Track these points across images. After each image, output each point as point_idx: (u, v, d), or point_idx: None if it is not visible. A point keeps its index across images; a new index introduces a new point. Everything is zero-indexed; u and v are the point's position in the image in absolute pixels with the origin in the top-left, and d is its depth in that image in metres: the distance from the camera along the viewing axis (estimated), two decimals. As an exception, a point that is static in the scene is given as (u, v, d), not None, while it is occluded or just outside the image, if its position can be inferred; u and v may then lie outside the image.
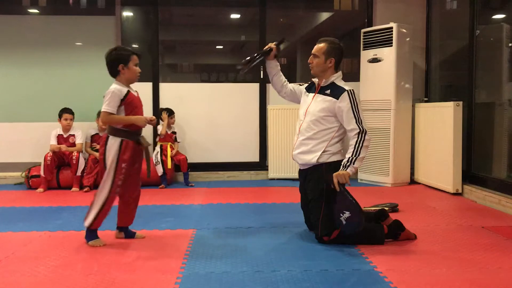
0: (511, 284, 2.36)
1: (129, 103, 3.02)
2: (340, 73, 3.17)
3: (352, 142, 2.99)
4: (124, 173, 2.99)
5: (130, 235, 3.22)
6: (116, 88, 3.00)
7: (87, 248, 2.96)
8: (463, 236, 3.21)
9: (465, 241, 3.10)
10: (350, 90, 3.04)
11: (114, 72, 3.05)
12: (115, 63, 3.02)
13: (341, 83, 3.11)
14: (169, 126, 5.47)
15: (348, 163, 2.95)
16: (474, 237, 3.18)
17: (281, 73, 3.41)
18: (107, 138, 3.00)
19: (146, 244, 3.06)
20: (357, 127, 2.98)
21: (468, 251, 2.87)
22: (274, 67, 3.38)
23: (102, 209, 2.99)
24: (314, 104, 3.13)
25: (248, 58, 3.29)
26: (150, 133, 5.68)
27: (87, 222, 3.01)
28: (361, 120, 3.00)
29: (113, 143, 2.97)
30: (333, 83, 3.12)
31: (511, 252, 2.87)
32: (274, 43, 3.33)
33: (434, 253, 2.84)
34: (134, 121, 3.00)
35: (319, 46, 3.15)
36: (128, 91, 3.05)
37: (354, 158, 2.94)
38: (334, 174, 2.94)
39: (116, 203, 3.13)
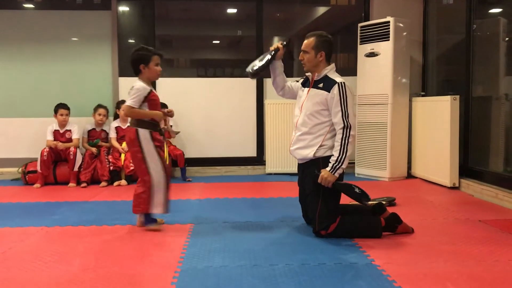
0: (508, 277, 2.37)
1: (152, 100, 3.24)
2: (333, 65, 3.16)
3: (338, 138, 3.00)
4: (162, 156, 3.22)
5: (151, 221, 3.31)
6: (142, 85, 3.20)
7: (84, 243, 2.96)
8: (460, 230, 3.22)
9: (462, 234, 3.11)
10: (341, 82, 3.03)
11: (136, 70, 3.26)
12: (137, 63, 3.23)
13: (333, 76, 3.10)
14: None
15: (337, 164, 2.96)
16: (471, 231, 3.19)
17: (283, 74, 3.37)
18: (137, 131, 3.17)
19: (143, 238, 3.06)
20: (342, 122, 2.98)
21: (465, 245, 2.88)
22: (278, 67, 3.33)
23: (166, 192, 3.21)
24: (308, 99, 3.13)
25: (257, 67, 3.23)
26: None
27: (159, 209, 3.19)
28: (347, 114, 2.99)
29: (144, 133, 3.18)
30: (326, 76, 3.11)
31: (508, 245, 2.88)
32: (281, 42, 3.28)
33: (431, 246, 2.84)
34: (153, 115, 3.22)
35: (308, 41, 3.14)
36: (151, 90, 3.25)
37: (342, 157, 2.96)
38: (321, 175, 2.96)
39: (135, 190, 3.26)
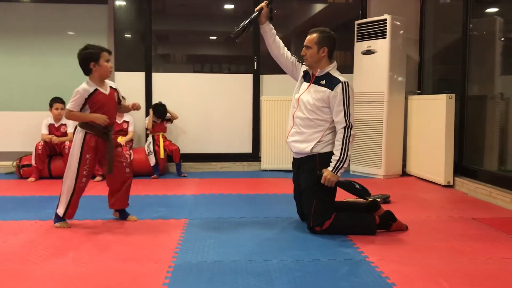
0: (501, 274, 2.39)
1: (95, 102, 3.16)
2: (335, 63, 3.17)
3: (339, 137, 3.01)
4: (88, 163, 3.15)
5: (124, 216, 3.36)
6: (82, 88, 3.15)
7: (79, 237, 2.95)
8: (454, 227, 3.24)
9: (456, 232, 3.12)
10: (344, 82, 3.04)
11: (86, 70, 3.18)
12: (87, 61, 3.15)
13: (336, 74, 3.11)
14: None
15: (339, 164, 2.98)
16: (465, 228, 3.21)
17: (278, 38, 3.33)
18: (75, 128, 3.18)
19: (138, 233, 3.06)
20: (344, 121, 3.00)
21: (458, 242, 2.89)
22: (268, 32, 3.29)
23: (71, 199, 3.16)
24: (308, 94, 3.13)
25: (241, 25, 3.20)
26: (143, 125, 5.66)
27: (60, 211, 3.15)
28: (349, 114, 3.00)
29: (78, 134, 3.16)
30: (328, 74, 3.11)
31: (501, 243, 2.90)
32: (264, 2, 3.26)
33: (425, 244, 2.86)
34: (93, 119, 3.13)
35: (311, 37, 3.13)
36: (96, 90, 3.17)
37: (344, 157, 2.98)
38: (324, 175, 2.98)
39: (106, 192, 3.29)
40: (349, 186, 3.07)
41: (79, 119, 3.17)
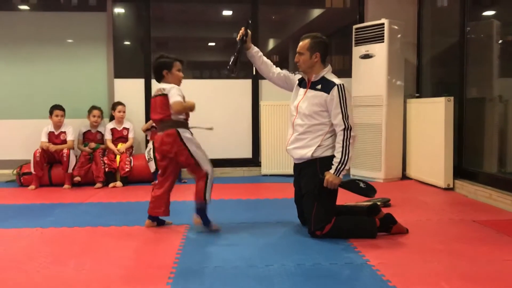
0: (501, 276, 2.39)
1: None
2: (329, 67, 3.18)
3: (339, 140, 3.02)
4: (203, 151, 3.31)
5: (161, 223, 3.41)
6: (174, 85, 3.28)
7: (80, 245, 2.95)
8: (454, 230, 3.24)
9: (456, 234, 3.13)
10: (340, 84, 3.05)
11: (159, 77, 3.34)
12: (160, 69, 3.31)
13: (331, 77, 3.12)
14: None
15: (340, 166, 2.99)
16: (465, 231, 3.21)
17: (265, 59, 3.38)
18: (177, 131, 3.23)
19: (139, 239, 3.06)
20: (343, 123, 3.00)
21: (459, 244, 2.89)
22: (255, 56, 3.34)
23: (212, 185, 3.31)
24: (306, 100, 3.14)
25: (232, 60, 3.26)
26: (143, 132, 5.67)
27: (208, 198, 3.25)
28: (347, 115, 3.01)
29: (185, 133, 3.27)
30: (323, 78, 3.13)
31: (502, 245, 2.90)
32: (242, 28, 3.29)
33: (425, 247, 2.86)
34: (193, 104, 3.32)
35: (303, 43, 3.16)
36: None
37: (345, 159, 2.99)
38: (326, 178, 2.98)
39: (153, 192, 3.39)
40: (353, 186, 3.07)
41: (187, 109, 3.29)
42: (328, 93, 3.04)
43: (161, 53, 3.38)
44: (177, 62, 3.34)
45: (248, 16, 3.38)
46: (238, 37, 3.28)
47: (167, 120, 3.25)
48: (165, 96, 3.23)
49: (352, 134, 3.01)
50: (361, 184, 3.09)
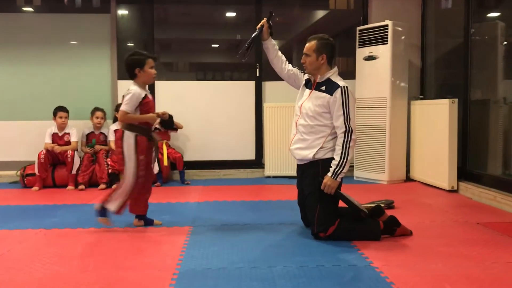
0: (506, 279, 2.37)
1: (145, 104, 3.29)
2: (335, 69, 3.18)
3: (339, 142, 3.01)
4: (144, 164, 3.27)
5: (149, 222, 3.43)
6: (136, 90, 3.25)
7: (83, 246, 2.96)
8: (458, 232, 3.22)
9: (460, 237, 3.11)
10: (344, 86, 3.04)
11: (132, 75, 3.31)
12: (132, 67, 3.28)
13: (336, 79, 3.11)
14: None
15: (338, 169, 2.97)
16: (470, 233, 3.19)
17: (280, 53, 3.38)
18: (123, 132, 3.24)
19: (142, 241, 3.06)
20: (344, 126, 2.99)
21: (463, 247, 2.88)
22: (271, 48, 3.35)
23: (127, 198, 3.27)
24: (310, 101, 3.14)
25: (246, 45, 3.28)
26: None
27: (113, 207, 3.24)
28: (349, 118, 3.00)
29: (129, 137, 3.23)
30: (328, 79, 3.12)
31: (506, 247, 2.88)
32: (264, 19, 3.32)
33: (430, 249, 2.84)
34: (147, 119, 3.30)
35: (309, 44, 3.16)
36: (146, 95, 3.30)
37: (344, 161, 2.97)
38: (324, 182, 2.98)
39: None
40: (346, 200, 3.04)
41: (133, 121, 3.25)
42: (332, 94, 3.03)
43: (134, 50, 3.38)
44: (150, 59, 3.32)
45: (267, 12, 3.40)
46: (258, 26, 3.30)
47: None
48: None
49: (352, 137, 3.00)
50: (355, 203, 3.05)
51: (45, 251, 2.83)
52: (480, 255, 2.72)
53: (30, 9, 5.83)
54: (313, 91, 3.15)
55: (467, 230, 3.28)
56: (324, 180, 2.99)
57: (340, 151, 2.99)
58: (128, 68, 3.31)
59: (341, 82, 3.07)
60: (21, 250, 2.87)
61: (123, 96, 3.28)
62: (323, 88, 3.10)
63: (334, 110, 3.02)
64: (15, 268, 2.54)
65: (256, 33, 3.30)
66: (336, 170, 2.98)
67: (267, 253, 2.78)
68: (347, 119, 2.99)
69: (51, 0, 5.83)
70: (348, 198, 3.04)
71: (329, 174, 2.99)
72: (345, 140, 2.99)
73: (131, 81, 3.34)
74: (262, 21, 3.32)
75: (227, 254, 2.77)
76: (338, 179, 2.99)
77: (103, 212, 3.26)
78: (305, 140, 3.11)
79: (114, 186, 3.33)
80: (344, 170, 2.99)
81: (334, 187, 2.99)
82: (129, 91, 3.25)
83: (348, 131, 2.99)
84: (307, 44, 3.17)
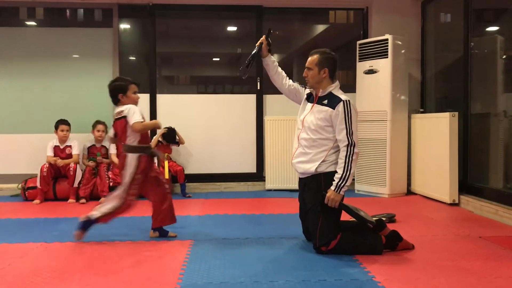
0: (509, 293, 2.36)
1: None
2: (337, 83, 3.19)
3: (342, 156, 3.02)
4: (138, 183, 3.30)
5: (163, 234, 3.47)
6: (129, 105, 3.33)
7: (84, 260, 2.95)
8: (460, 246, 3.22)
9: (462, 251, 3.10)
10: (346, 100, 3.06)
11: (115, 100, 3.40)
12: (116, 92, 3.37)
13: (338, 93, 3.13)
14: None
15: (341, 183, 2.98)
16: (472, 247, 3.19)
17: (280, 69, 3.40)
18: (126, 156, 3.30)
19: (143, 254, 3.05)
20: (347, 139, 3.00)
21: (466, 261, 2.87)
22: (271, 65, 3.38)
23: (113, 211, 3.29)
24: (312, 115, 3.15)
25: (246, 62, 3.31)
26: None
27: (96, 214, 3.27)
28: (352, 132, 3.01)
29: (132, 159, 3.29)
30: (330, 93, 3.14)
31: (509, 261, 2.87)
32: (263, 36, 3.34)
33: (432, 263, 2.84)
34: (154, 124, 3.49)
35: (312, 58, 3.18)
36: None
37: (347, 175, 2.98)
38: (327, 196, 2.99)
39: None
40: (352, 212, 3.05)
41: (149, 127, 3.41)
42: (334, 108, 3.05)
43: (117, 76, 3.46)
44: (133, 85, 3.39)
45: (266, 28, 3.44)
46: (257, 44, 3.33)
47: (125, 145, 3.34)
48: (125, 118, 3.30)
49: (355, 150, 3.01)
50: (361, 213, 3.07)
51: (46, 265, 2.82)
52: (482, 270, 2.71)
53: (33, 23, 5.88)
54: (315, 105, 3.17)
55: (469, 244, 3.27)
56: (328, 194, 2.99)
57: (343, 165, 3.00)
58: (112, 93, 3.38)
59: (343, 96, 3.09)
60: (22, 264, 2.86)
61: (120, 118, 3.31)
62: (325, 102, 3.11)
63: (336, 123, 3.04)
64: (16, 283, 2.53)
65: (255, 50, 3.33)
66: (339, 183, 2.98)
67: (269, 267, 2.77)
68: (349, 133, 3.00)
69: (54, 14, 5.88)
70: (354, 210, 3.04)
71: (332, 187, 2.99)
72: (348, 153, 2.99)
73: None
74: (261, 38, 3.34)
75: (228, 268, 2.76)
76: (342, 193, 2.99)
77: (86, 224, 3.30)
78: (307, 154, 3.12)
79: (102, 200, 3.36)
80: (347, 184, 2.99)
81: (338, 200, 2.99)
82: (124, 108, 3.31)
83: (351, 145, 3.00)
84: (310, 58, 3.19)
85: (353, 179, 5.51)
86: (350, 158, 2.99)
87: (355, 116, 3.06)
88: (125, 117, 3.30)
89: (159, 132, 5.43)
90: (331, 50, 3.22)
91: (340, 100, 3.05)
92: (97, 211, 3.29)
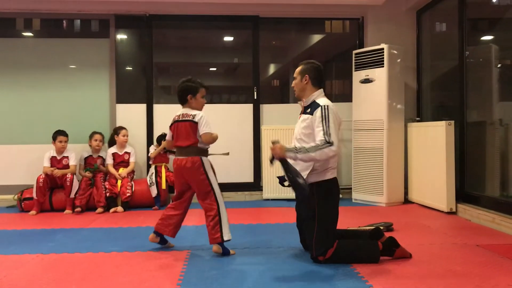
0: (507, 302, 2.36)
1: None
2: (320, 90, 3.20)
3: (318, 141, 2.96)
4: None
5: (163, 242, 3.46)
6: (202, 112, 3.36)
7: (80, 271, 2.93)
8: (458, 254, 3.21)
9: (460, 259, 3.10)
10: (324, 105, 3.05)
11: (183, 100, 3.39)
12: (185, 93, 3.35)
13: (320, 100, 3.13)
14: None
15: (295, 152, 2.92)
16: (469, 255, 3.18)
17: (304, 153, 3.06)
18: (201, 159, 3.27)
19: (140, 265, 3.03)
20: (324, 139, 2.94)
21: (463, 269, 2.87)
22: (293, 157, 3.02)
23: (226, 217, 3.30)
24: (298, 125, 3.19)
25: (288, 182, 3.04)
26: (144, 156, 5.69)
27: (226, 236, 3.22)
28: (329, 133, 2.95)
29: (207, 162, 3.31)
30: (313, 102, 3.15)
31: (507, 269, 2.87)
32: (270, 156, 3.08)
33: (429, 271, 2.83)
34: (217, 136, 3.41)
35: (297, 69, 3.27)
36: None
37: (306, 151, 2.92)
38: (275, 145, 2.93)
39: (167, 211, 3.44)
40: (292, 173, 2.92)
41: (216, 139, 3.36)
42: (312, 114, 3.07)
43: (188, 77, 3.42)
44: (203, 89, 3.40)
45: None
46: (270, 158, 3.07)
47: (193, 147, 3.29)
48: (194, 123, 3.28)
49: (333, 148, 2.93)
50: (300, 180, 2.92)
51: (42, 277, 2.80)
52: (480, 278, 2.71)
53: (29, 33, 5.90)
54: (302, 115, 3.20)
55: (466, 252, 3.27)
56: (277, 144, 2.93)
57: (312, 144, 2.95)
58: (181, 93, 3.35)
59: (322, 101, 3.09)
60: (18, 275, 2.84)
61: (187, 121, 3.29)
62: (308, 110, 3.14)
63: (314, 127, 3.04)
64: (12, 294, 2.51)
65: (272, 165, 3.07)
66: (294, 149, 2.93)
67: (266, 277, 2.76)
68: (327, 133, 2.95)
69: (51, 25, 5.90)
70: (293, 172, 2.93)
71: (287, 146, 2.95)
72: (321, 144, 2.93)
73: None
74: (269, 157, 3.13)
75: (226, 278, 2.75)
76: (287, 155, 2.92)
77: (224, 249, 3.25)
78: (298, 164, 3.10)
79: (209, 222, 3.28)
80: (299, 156, 2.93)
81: (280, 155, 2.92)
82: (197, 114, 3.31)
83: (328, 141, 2.93)
84: (296, 69, 3.28)
85: (350, 188, 5.55)
86: (320, 147, 2.92)
87: (334, 119, 3.02)
88: (193, 121, 3.29)
89: (163, 143, 5.39)
90: (315, 61, 3.28)
91: (318, 105, 3.07)
92: (224, 235, 3.22)
